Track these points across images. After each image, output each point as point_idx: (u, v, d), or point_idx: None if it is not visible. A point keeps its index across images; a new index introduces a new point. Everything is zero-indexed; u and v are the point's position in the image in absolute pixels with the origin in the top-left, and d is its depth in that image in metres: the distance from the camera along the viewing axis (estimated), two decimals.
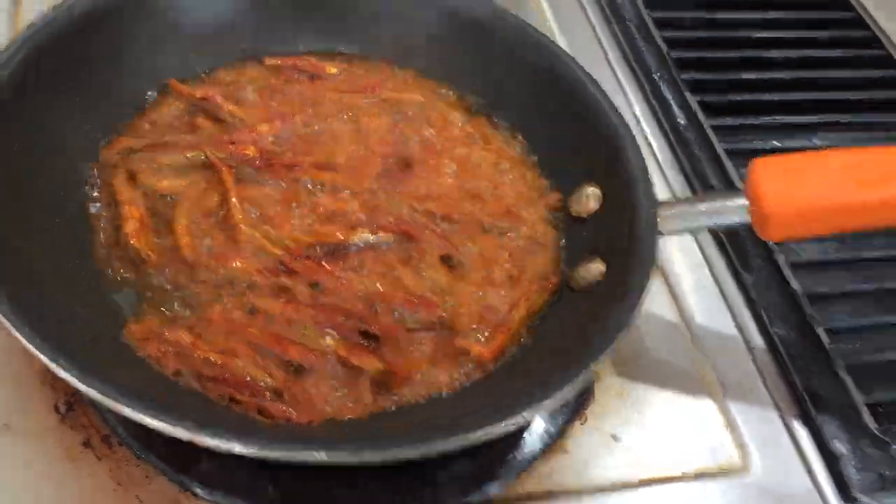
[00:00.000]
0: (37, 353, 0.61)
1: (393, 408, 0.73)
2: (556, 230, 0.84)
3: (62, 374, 0.60)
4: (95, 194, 0.79)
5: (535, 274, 0.80)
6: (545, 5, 1.19)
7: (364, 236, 0.80)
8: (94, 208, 0.78)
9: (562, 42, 1.12)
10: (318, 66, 0.88)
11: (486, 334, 0.77)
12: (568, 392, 0.67)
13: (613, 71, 1.11)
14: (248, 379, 0.72)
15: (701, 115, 1.02)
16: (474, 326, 0.78)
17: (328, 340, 0.75)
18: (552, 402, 0.67)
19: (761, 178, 0.74)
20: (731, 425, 0.80)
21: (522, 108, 0.89)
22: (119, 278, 0.75)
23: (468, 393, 0.75)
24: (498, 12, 0.90)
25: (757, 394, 0.82)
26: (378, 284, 0.78)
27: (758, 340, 0.86)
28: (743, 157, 0.95)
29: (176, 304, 0.75)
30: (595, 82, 0.86)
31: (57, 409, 0.73)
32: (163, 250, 0.77)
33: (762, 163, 0.75)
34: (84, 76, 0.80)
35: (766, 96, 1.09)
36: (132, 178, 0.80)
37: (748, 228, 0.76)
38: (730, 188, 0.94)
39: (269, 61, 0.89)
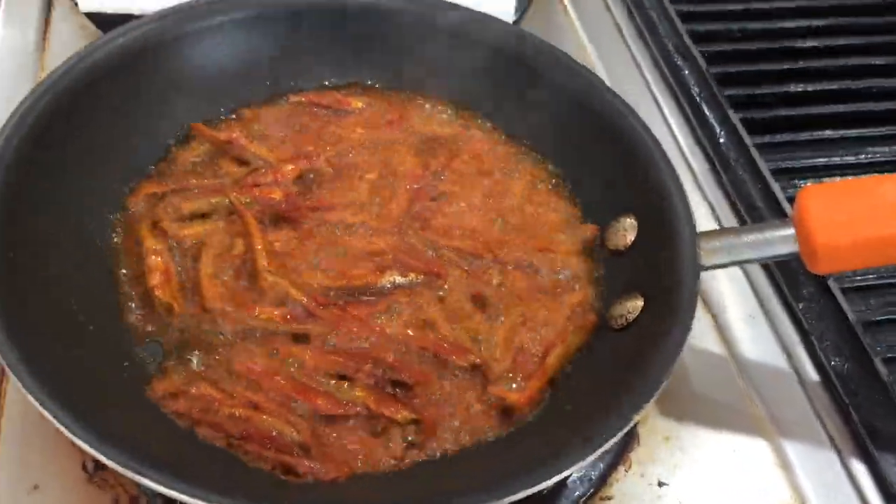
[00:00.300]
0: (52, 419, 0.59)
1: (424, 460, 0.70)
2: (592, 264, 0.80)
3: (77, 441, 0.59)
4: (120, 244, 0.77)
5: (570, 312, 0.77)
6: (577, 24, 1.15)
7: (393, 278, 0.77)
8: (119, 259, 0.77)
9: (594, 59, 1.09)
10: (343, 100, 0.85)
11: (521, 380, 0.74)
12: (609, 445, 0.64)
13: (650, 89, 1.07)
14: (275, 433, 0.69)
15: (744, 133, 0.97)
16: (508, 372, 0.74)
17: (356, 390, 0.72)
18: (593, 457, 0.63)
19: (809, 208, 0.70)
20: (785, 466, 0.76)
21: (555, 138, 0.86)
22: (144, 331, 0.74)
23: (503, 444, 0.72)
24: (524, 37, 0.87)
25: (812, 431, 0.78)
26: (408, 329, 0.75)
27: (811, 373, 0.81)
28: (790, 175, 0.92)
29: (201, 355, 0.73)
30: (630, 108, 0.82)
31: (85, 468, 0.71)
32: (187, 300, 0.75)
33: (810, 192, 0.71)
34: (104, 125, 0.78)
35: (813, 109, 1.03)
36: (156, 226, 0.78)
37: (798, 258, 0.72)
38: (776, 215, 0.89)
39: (294, 98, 0.87)
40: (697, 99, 1.02)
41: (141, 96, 0.80)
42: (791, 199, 0.78)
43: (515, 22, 0.99)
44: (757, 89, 1.05)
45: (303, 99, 0.87)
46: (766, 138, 0.99)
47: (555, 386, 0.74)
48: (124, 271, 0.76)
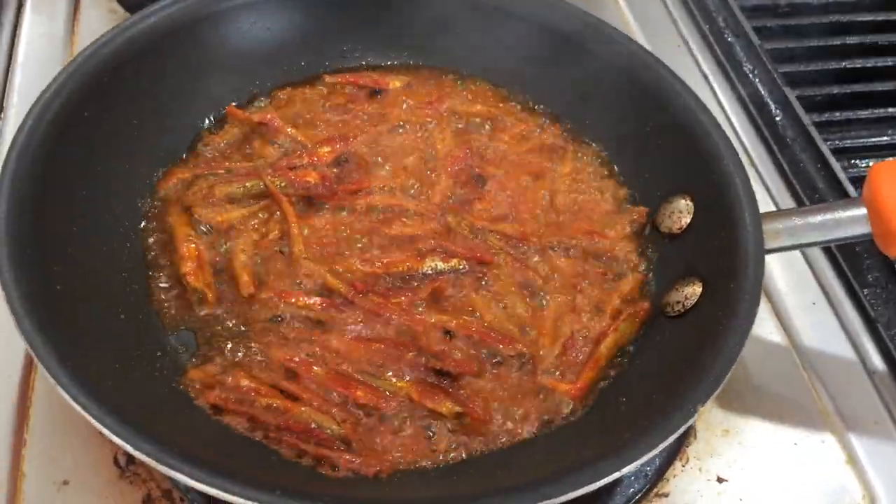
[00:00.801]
0: (84, 413, 0.56)
1: (467, 455, 0.67)
2: (644, 249, 0.76)
3: (111, 436, 0.56)
4: (151, 230, 0.74)
5: (623, 299, 0.73)
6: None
7: (435, 264, 0.73)
8: (150, 246, 0.74)
9: (640, 36, 1.04)
10: (380, 80, 0.82)
11: (572, 371, 0.70)
12: (670, 440, 0.60)
13: (699, 67, 1.02)
14: (314, 426, 0.66)
15: (801, 111, 0.92)
16: (558, 362, 0.71)
17: (398, 381, 0.69)
18: (652, 454, 0.59)
19: (883, 185, 0.65)
20: (854, 462, 0.72)
21: (601, 117, 0.82)
22: (176, 320, 0.71)
23: (554, 438, 0.68)
24: (570, 12, 0.82)
25: (882, 424, 0.73)
26: (451, 317, 0.71)
27: (878, 363, 0.77)
28: (852, 155, 0.87)
29: (236, 344, 0.69)
30: (684, 85, 0.78)
31: (117, 462, 0.69)
32: (221, 288, 0.72)
33: (884, 168, 0.66)
34: (132, 108, 0.75)
35: (874, 86, 0.98)
36: (188, 211, 0.75)
37: (866, 241, 0.68)
38: (838, 196, 0.84)
39: (329, 79, 0.83)
40: (751, 76, 0.98)
41: (169, 78, 0.77)
42: (854, 179, 0.74)
43: None
44: (813, 65, 1.00)
45: (339, 79, 0.84)
46: (825, 116, 0.94)
47: (608, 377, 0.70)
48: (156, 258, 0.73)
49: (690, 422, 0.60)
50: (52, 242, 0.66)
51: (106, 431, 0.56)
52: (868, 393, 0.75)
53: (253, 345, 0.70)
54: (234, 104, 0.80)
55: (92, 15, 0.98)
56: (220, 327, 0.71)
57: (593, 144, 0.83)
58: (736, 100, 0.97)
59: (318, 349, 0.70)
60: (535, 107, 0.85)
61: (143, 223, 0.74)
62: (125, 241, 0.73)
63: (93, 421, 0.56)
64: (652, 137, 0.78)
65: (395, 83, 0.82)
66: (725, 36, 1.02)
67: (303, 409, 0.67)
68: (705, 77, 1.00)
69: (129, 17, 0.76)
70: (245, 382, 0.68)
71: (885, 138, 0.93)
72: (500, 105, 0.84)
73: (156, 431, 0.58)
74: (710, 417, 0.73)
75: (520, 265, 0.74)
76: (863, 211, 0.68)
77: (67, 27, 0.97)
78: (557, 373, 0.70)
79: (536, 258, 0.75)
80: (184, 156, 0.78)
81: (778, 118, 0.93)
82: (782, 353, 0.77)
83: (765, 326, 0.78)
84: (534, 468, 0.65)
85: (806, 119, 0.90)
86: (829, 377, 0.76)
